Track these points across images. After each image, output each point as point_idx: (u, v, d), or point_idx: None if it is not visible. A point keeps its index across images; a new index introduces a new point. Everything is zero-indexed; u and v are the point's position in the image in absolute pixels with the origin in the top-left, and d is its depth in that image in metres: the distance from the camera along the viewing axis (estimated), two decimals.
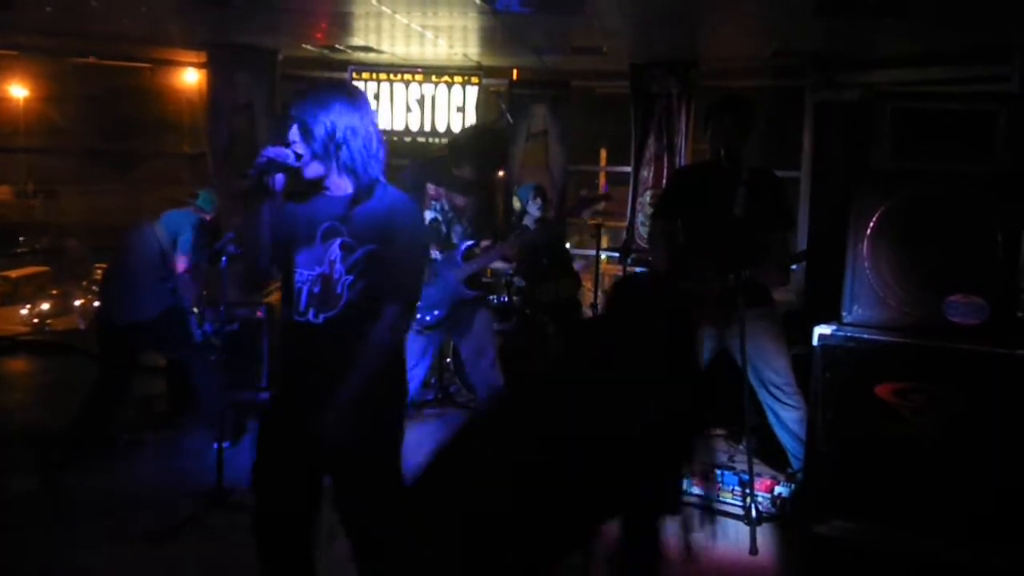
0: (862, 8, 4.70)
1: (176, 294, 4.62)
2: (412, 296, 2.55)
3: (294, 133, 2.46)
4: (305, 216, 2.54)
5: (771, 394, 4.03)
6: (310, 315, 2.49)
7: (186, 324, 4.71)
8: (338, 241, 2.48)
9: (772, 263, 3.99)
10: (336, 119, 2.43)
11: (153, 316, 4.48)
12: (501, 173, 6.90)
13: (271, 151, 2.41)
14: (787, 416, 4.01)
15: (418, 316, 4.64)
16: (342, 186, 2.51)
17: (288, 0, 5.34)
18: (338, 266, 2.48)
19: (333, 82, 2.63)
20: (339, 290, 2.47)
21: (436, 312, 4.45)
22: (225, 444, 4.36)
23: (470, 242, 4.63)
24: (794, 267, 6.58)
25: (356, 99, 2.51)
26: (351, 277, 2.47)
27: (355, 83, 7.15)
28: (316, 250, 2.50)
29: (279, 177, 2.46)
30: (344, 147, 2.44)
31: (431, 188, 4.53)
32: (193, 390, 4.70)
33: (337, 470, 2.54)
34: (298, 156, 2.45)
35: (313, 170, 2.48)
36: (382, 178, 2.53)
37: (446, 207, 4.74)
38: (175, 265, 4.63)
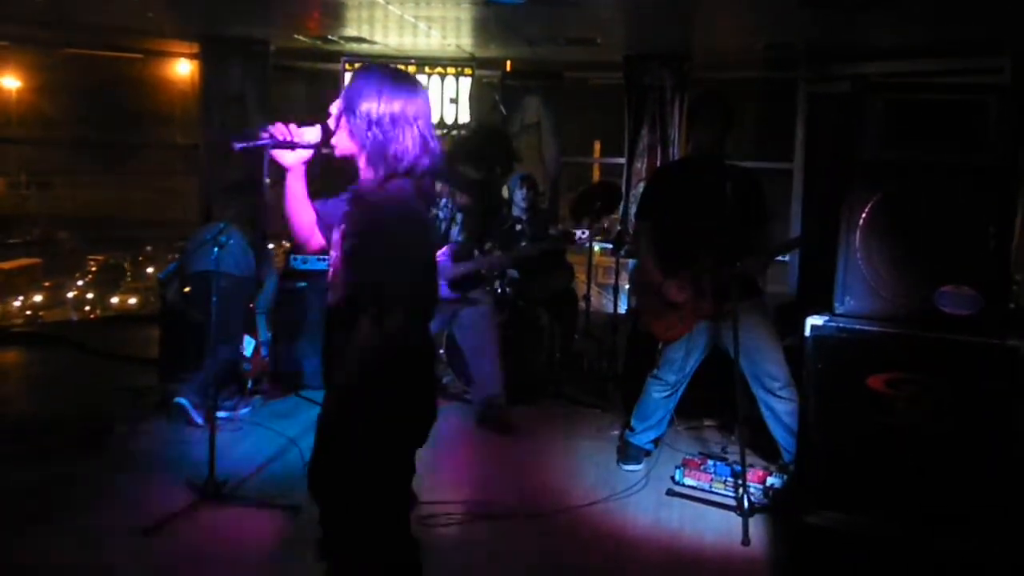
0: (845, 1, 4.70)
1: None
2: (392, 301, 2.21)
3: (335, 105, 2.37)
4: (341, 199, 2.46)
5: (765, 387, 4.03)
6: (328, 296, 2.41)
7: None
8: (342, 228, 2.38)
9: (754, 256, 4.00)
10: (378, 104, 2.29)
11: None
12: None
13: (238, 138, 2.35)
14: (781, 409, 4.00)
15: None
16: (367, 174, 2.35)
17: None
18: (336, 254, 2.39)
19: (391, 68, 2.43)
20: (341, 279, 2.36)
21: None
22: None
23: (458, 239, 4.61)
24: (787, 257, 6.60)
25: (411, 90, 2.36)
26: (344, 268, 2.34)
27: (347, 73, 7.12)
28: (336, 234, 2.41)
29: (283, 154, 2.36)
30: (376, 133, 2.29)
31: (437, 185, 4.50)
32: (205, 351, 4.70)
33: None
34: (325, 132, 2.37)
35: (342, 148, 2.38)
36: (407, 176, 2.32)
37: (450, 205, 4.72)
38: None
